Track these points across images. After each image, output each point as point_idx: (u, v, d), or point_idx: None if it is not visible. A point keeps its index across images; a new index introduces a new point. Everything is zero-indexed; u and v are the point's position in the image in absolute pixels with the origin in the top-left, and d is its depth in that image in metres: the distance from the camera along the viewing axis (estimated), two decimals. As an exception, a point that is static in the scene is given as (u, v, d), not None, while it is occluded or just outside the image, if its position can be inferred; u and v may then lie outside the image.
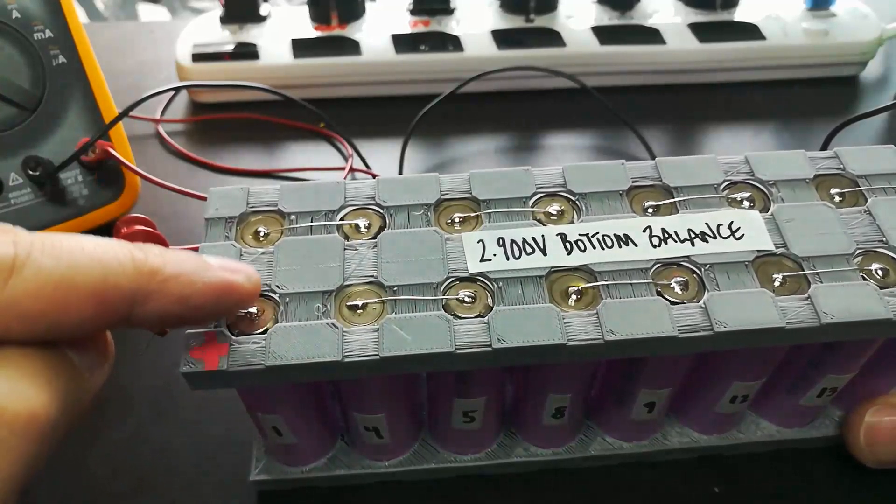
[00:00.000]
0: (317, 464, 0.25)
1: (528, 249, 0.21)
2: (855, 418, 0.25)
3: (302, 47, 0.44)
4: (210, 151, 0.41)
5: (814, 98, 0.44)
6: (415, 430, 0.26)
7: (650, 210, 0.22)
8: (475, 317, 0.20)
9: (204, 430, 0.28)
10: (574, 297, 0.20)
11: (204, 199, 0.23)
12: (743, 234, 0.21)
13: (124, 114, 0.33)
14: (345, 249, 0.21)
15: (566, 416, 0.24)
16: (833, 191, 0.23)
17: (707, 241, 0.21)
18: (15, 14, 0.32)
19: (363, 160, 0.39)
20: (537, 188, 0.23)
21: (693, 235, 0.21)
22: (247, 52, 0.43)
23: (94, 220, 0.34)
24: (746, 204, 0.22)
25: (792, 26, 0.44)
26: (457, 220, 0.22)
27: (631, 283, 0.20)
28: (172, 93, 0.45)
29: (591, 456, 0.26)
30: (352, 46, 0.43)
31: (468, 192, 0.23)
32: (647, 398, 0.23)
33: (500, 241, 0.21)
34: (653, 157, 0.37)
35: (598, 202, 0.22)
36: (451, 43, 0.43)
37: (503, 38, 0.44)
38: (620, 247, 0.21)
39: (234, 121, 0.43)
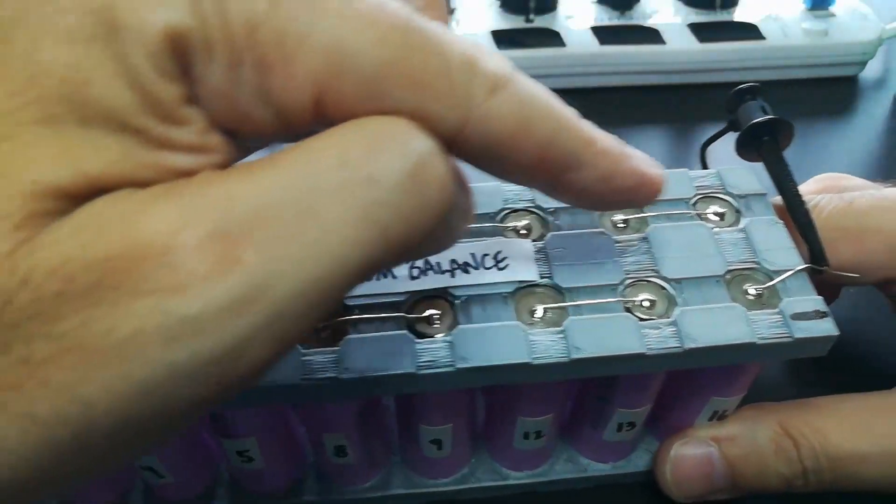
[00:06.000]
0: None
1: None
2: (662, 453, 0.24)
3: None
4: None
5: (814, 98, 0.43)
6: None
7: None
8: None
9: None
10: (321, 333, 0.19)
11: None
12: (507, 265, 0.20)
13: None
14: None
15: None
16: (616, 217, 0.22)
17: (469, 272, 0.20)
18: None
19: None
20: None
21: (455, 266, 0.20)
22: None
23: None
24: (524, 231, 0.21)
25: (791, 26, 0.43)
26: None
27: (382, 317, 0.19)
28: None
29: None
30: (351, 46, 0.43)
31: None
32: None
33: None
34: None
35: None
36: (450, 43, 0.43)
37: (503, 38, 0.43)
38: (378, 279, 0.20)
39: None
